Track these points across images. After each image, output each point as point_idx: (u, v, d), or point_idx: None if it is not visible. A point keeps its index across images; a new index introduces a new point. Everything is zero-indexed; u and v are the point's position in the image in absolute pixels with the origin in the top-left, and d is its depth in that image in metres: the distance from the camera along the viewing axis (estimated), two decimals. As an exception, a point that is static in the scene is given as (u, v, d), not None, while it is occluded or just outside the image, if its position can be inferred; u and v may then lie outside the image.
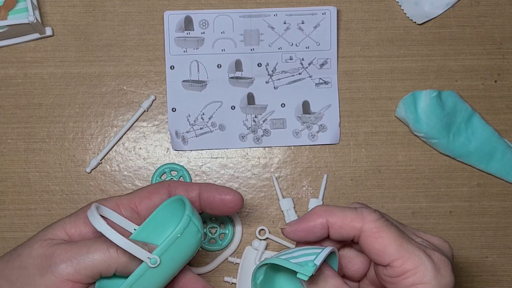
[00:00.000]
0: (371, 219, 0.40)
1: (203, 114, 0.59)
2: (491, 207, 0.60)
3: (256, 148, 0.60)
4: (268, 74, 0.60)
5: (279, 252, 0.44)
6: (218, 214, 0.49)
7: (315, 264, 0.39)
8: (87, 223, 0.45)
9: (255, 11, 0.59)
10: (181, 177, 0.59)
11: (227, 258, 0.59)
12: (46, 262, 0.43)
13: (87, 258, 0.42)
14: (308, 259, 0.40)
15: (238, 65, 0.60)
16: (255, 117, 0.60)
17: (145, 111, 0.60)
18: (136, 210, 0.46)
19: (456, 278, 0.61)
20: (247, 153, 0.60)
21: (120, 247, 0.41)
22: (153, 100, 0.60)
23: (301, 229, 0.42)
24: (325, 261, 0.42)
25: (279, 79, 0.60)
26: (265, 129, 0.60)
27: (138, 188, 0.48)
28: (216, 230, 0.59)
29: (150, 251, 0.43)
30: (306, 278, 0.39)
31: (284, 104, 0.60)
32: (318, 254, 0.40)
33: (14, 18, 0.56)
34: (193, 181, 0.59)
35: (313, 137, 0.60)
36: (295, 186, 0.60)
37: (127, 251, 0.42)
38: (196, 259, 0.59)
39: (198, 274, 0.58)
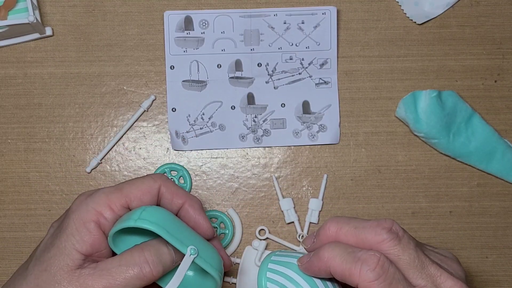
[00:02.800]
0: (367, 279, 0.39)
1: (203, 114, 0.60)
2: (491, 207, 0.60)
3: (256, 148, 0.60)
4: (268, 74, 0.60)
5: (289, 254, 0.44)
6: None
7: None
8: (128, 200, 0.46)
9: (255, 11, 0.59)
10: (181, 177, 0.59)
11: (227, 258, 0.59)
12: None
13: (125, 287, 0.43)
14: None
15: (238, 65, 0.60)
16: (255, 117, 0.60)
17: (145, 111, 0.60)
18: (126, 207, 0.46)
19: (456, 278, 0.61)
20: (247, 153, 0.60)
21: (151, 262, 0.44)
22: (153, 100, 0.60)
23: (310, 272, 0.43)
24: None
25: (279, 79, 0.60)
26: (265, 129, 0.60)
27: (129, 182, 0.47)
28: (216, 230, 0.59)
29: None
30: None
31: (284, 104, 0.60)
32: None
33: (14, 18, 0.56)
34: (193, 180, 0.59)
35: (313, 137, 0.60)
36: (295, 186, 0.60)
37: (160, 265, 0.44)
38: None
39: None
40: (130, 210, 0.46)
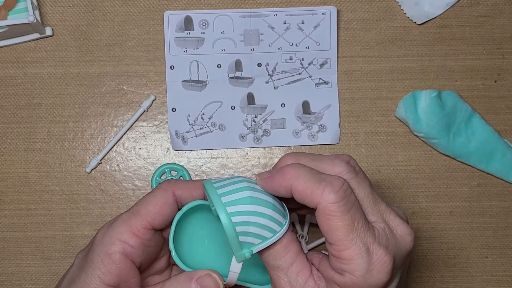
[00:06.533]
0: (329, 200, 0.38)
1: (203, 114, 0.60)
2: (491, 207, 0.60)
3: (256, 148, 0.60)
4: (268, 74, 0.60)
5: (228, 184, 0.43)
6: None
7: (250, 252, 0.40)
8: (150, 220, 0.45)
9: (255, 11, 0.59)
10: (181, 177, 0.59)
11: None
12: None
13: None
14: (254, 241, 0.40)
15: (238, 65, 0.60)
16: (255, 117, 0.60)
17: (145, 111, 0.60)
18: (150, 228, 0.45)
19: (456, 278, 0.61)
20: (247, 153, 0.60)
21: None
22: (153, 100, 0.60)
23: (268, 189, 0.42)
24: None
25: (279, 79, 0.60)
26: (265, 129, 0.60)
27: (142, 201, 0.46)
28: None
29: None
30: (238, 262, 0.40)
31: (284, 104, 0.60)
32: (265, 240, 0.40)
33: (14, 18, 0.56)
34: (193, 181, 0.59)
35: (313, 137, 0.60)
36: (295, 186, 0.60)
37: None
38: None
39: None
40: (155, 230, 0.45)
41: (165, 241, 0.47)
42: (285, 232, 0.41)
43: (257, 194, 0.41)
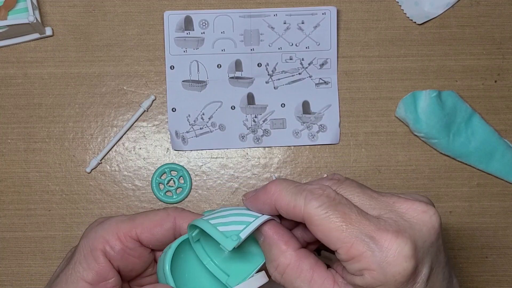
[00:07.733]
0: (312, 207, 0.37)
1: (203, 114, 0.60)
2: (491, 207, 0.60)
3: (256, 148, 0.60)
4: (268, 74, 0.60)
5: (215, 211, 0.43)
6: None
7: (239, 237, 0.38)
8: (138, 231, 0.44)
9: (255, 11, 0.59)
10: (181, 177, 0.59)
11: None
12: None
13: None
14: (237, 228, 0.39)
15: (238, 65, 0.60)
16: (255, 117, 0.60)
17: (145, 111, 0.60)
18: (135, 238, 0.45)
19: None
20: (247, 153, 0.60)
21: None
22: (153, 100, 0.60)
23: (253, 207, 0.41)
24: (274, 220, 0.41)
25: (279, 79, 0.60)
26: (265, 129, 0.60)
27: (144, 213, 0.46)
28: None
29: None
30: (227, 251, 0.38)
31: (284, 104, 0.60)
32: (248, 224, 0.39)
33: (14, 18, 0.56)
34: (193, 181, 0.59)
35: (313, 137, 0.60)
36: (295, 186, 0.60)
37: None
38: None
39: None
40: (141, 242, 0.45)
41: (154, 261, 0.47)
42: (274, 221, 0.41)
43: (232, 207, 0.42)
